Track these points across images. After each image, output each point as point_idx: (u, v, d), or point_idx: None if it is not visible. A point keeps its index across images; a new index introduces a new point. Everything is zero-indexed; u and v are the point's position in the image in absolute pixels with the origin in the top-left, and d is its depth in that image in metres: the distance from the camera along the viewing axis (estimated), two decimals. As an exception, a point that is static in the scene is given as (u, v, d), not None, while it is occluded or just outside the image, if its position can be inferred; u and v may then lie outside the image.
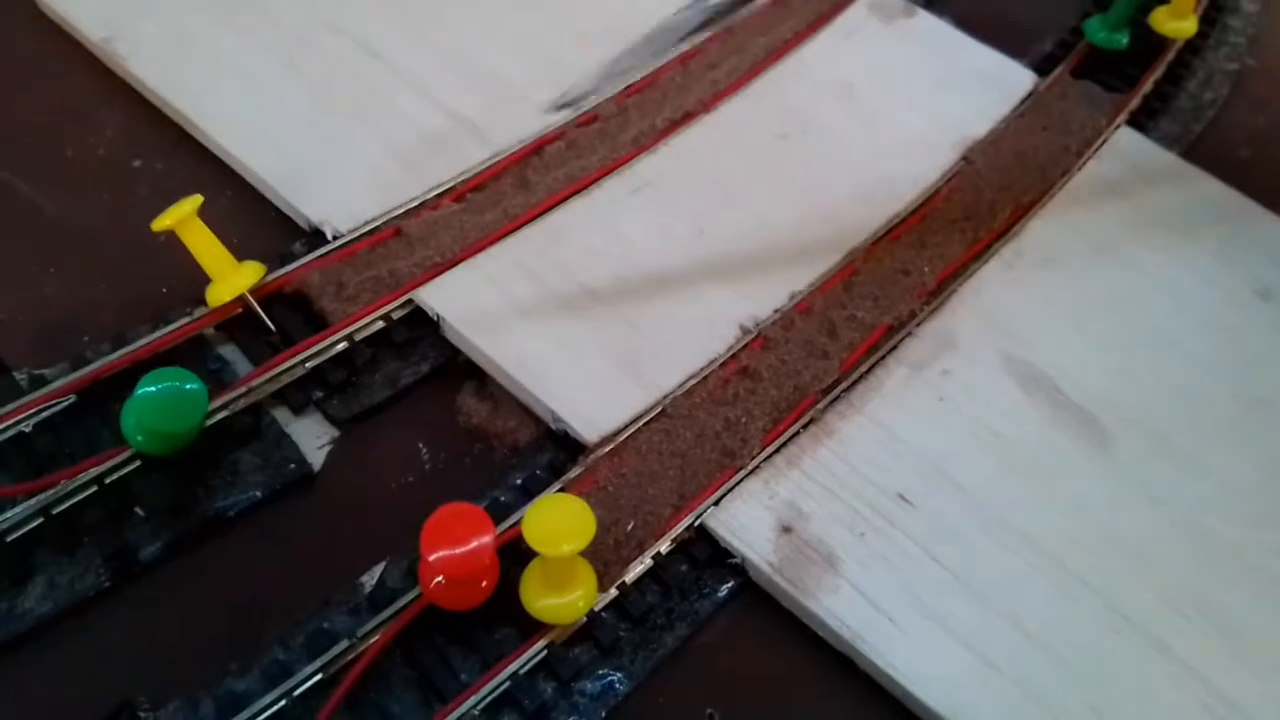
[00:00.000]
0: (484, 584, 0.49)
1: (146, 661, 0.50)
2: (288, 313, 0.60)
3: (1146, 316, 0.64)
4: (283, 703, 0.47)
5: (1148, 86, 0.76)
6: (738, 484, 0.55)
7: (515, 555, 0.51)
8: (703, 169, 0.69)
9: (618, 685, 0.50)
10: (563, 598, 0.49)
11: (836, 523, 0.54)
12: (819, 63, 0.76)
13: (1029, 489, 0.56)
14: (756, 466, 0.56)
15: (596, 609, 0.51)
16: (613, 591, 0.51)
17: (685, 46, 0.74)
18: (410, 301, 0.61)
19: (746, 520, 0.54)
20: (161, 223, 0.55)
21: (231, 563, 0.53)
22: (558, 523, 0.46)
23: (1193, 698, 0.50)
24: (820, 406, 0.58)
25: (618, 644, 0.51)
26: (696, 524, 0.54)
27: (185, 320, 0.59)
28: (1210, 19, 0.84)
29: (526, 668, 0.49)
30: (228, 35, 0.73)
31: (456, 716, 0.47)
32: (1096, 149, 0.72)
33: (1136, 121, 0.75)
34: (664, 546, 0.53)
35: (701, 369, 0.59)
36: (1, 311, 0.61)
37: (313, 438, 0.57)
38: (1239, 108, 0.79)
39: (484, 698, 0.48)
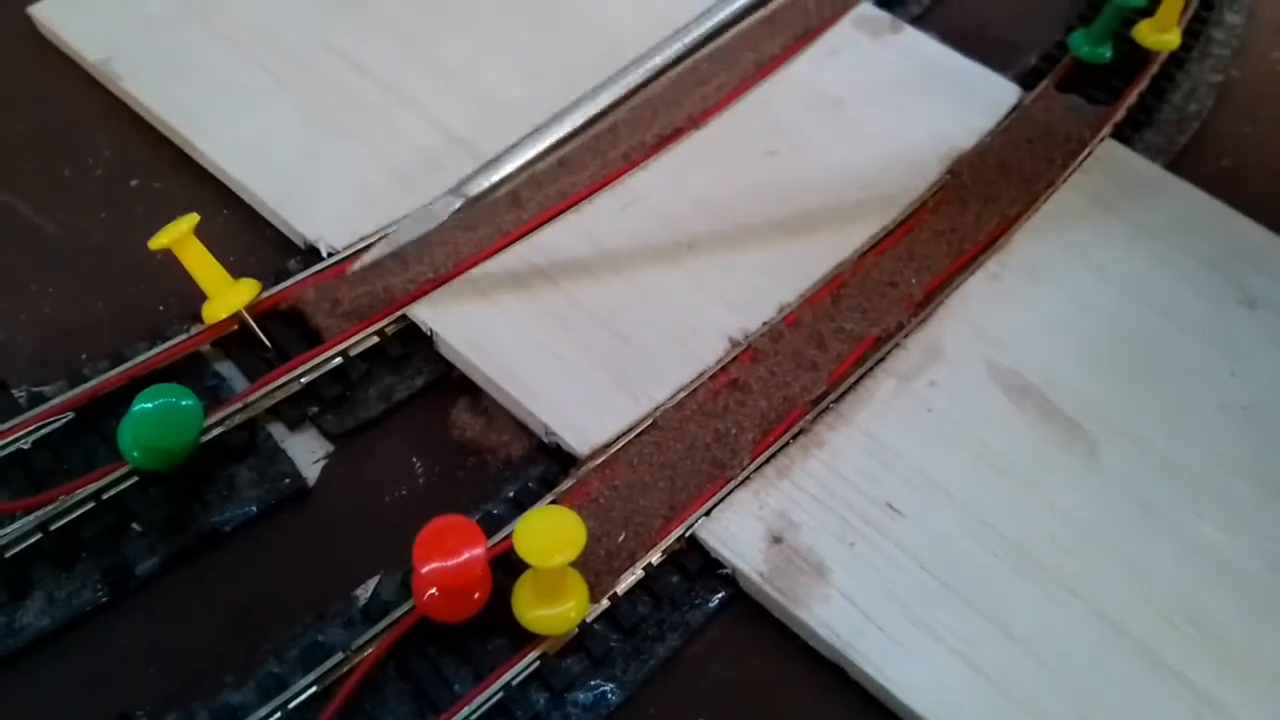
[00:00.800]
0: (476, 596, 0.50)
1: (144, 675, 0.50)
2: (283, 329, 0.61)
3: (1132, 326, 0.65)
4: (278, 715, 0.48)
5: (1132, 99, 0.77)
6: (728, 495, 0.56)
7: (508, 567, 0.51)
8: (692, 184, 0.70)
9: (610, 695, 0.51)
10: (554, 609, 0.49)
11: (826, 532, 0.55)
12: (807, 78, 0.77)
13: (1017, 497, 0.57)
14: (746, 477, 0.56)
15: (588, 620, 0.51)
16: (604, 602, 0.52)
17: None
18: (404, 317, 0.62)
19: (737, 531, 0.54)
20: (158, 241, 0.56)
21: (227, 577, 0.54)
22: (549, 534, 0.47)
23: (1181, 705, 0.51)
24: (809, 418, 0.59)
25: (610, 654, 0.52)
26: (687, 535, 0.54)
27: (182, 337, 0.59)
28: (1194, 31, 0.85)
29: (519, 678, 0.50)
30: (224, 56, 0.74)
31: (450, 727, 0.47)
32: (1081, 161, 0.73)
33: (1121, 134, 0.76)
34: (655, 557, 0.53)
35: (691, 381, 0.60)
36: (1, 329, 0.62)
37: (308, 452, 0.58)
38: (1223, 119, 0.80)
39: (477, 708, 0.48)
